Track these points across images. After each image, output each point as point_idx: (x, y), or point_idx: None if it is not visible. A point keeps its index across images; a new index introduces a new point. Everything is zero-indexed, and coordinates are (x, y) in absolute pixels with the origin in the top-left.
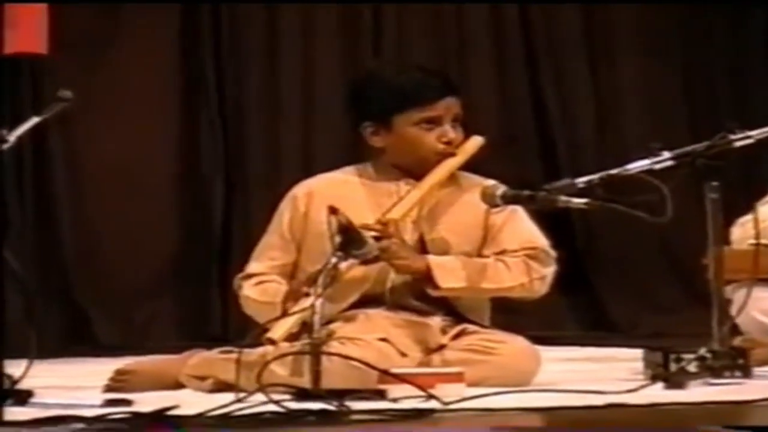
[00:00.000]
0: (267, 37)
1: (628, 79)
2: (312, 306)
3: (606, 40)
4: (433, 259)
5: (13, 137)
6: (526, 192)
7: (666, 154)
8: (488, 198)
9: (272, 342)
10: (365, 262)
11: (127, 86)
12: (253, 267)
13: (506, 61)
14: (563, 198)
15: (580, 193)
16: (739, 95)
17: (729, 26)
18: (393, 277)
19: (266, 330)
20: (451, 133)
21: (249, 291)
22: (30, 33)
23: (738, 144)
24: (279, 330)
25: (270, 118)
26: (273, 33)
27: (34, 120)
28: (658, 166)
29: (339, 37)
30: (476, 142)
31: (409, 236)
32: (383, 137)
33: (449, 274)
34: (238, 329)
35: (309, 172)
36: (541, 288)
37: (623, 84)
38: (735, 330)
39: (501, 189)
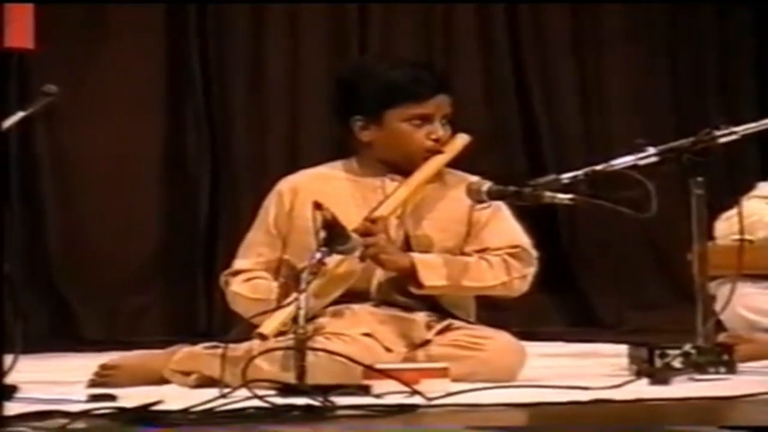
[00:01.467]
0: (253, 36)
1: (614, 74)
2: (297, 300)
3: (593, 35)
4: (417, 256)
5: None
6: (512, 188)
7: (651, 150)
8: (473, 194)
9: (263, 337)
10: (360, 259)
11: (114, 82)
12: (239, 263)
13: (492, 58)
14: (548, 194)
15: (565, 188)
16: (726, 89)
17: (716, 20)
18: (379, 273)
19: (252, 326)
20: (441, 131)
21: (238, 288)
22: (18, 29)
23: (723, 140)
24: (270, 325)
25: (255, 115)
26: (259, 32)
27: (20, 114)
28: (643, 162)
29: (325, 35)
30: (463, 140)
31: (394, 232)
32: (372, 132)
33: (432, 272)
34: (223, 325)
35: (294, 168)
36: (522, 287)
37: (609, 79)
38: (719, 326)
39: (486, 185)
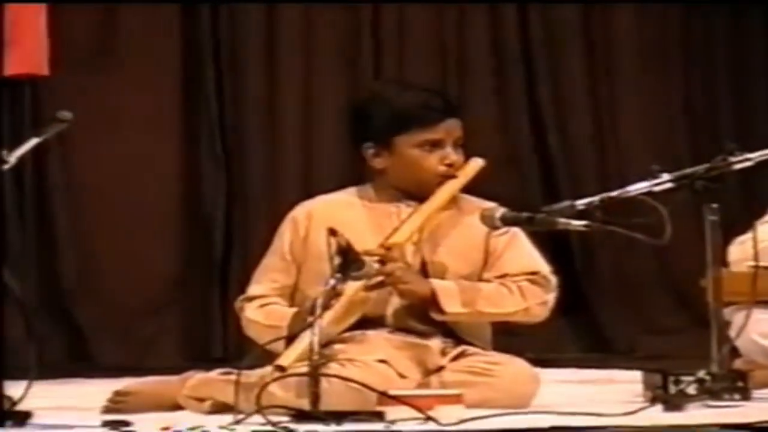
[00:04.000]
0: (267, 63)
1: (628, 98)
2: (311, 327)
3: (606, 58)
4: (437, 283)
5: (13, 158)
6: (526, 214)
7: (665, 176)
8: (488, 220)
9: (282, 369)
10: (371, 287)
11: (127, 109)
12: (254, 289)
13: (505, 82)
14: (562, 220)
15: (579, 215)
16: (740, 110)
17: (729, 39)
18: (394, 299)
19: (267, 352)
20: (453, 155)
21: (253, 314)
22: (31, 54)
23: (737, 166)
24: (289, 356)
25: (270, 138)
26: (272, 58)
27: (34, 141)
28: (657, 188)
29: (339, 60)
30: (477, 164)
31: (411, 259)
32: (384, 159)
33: (453, 299)
34: (238, 350)
35: (308, 195)
36: (542, 313)
37: (623, 103)
38: (734, 352)
39: (500, 211)
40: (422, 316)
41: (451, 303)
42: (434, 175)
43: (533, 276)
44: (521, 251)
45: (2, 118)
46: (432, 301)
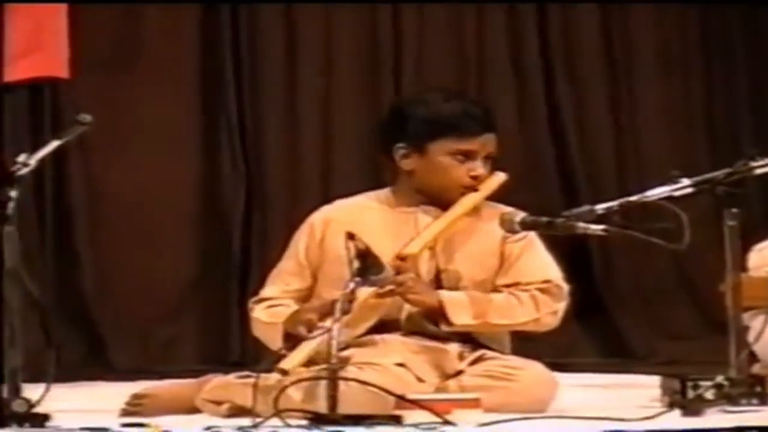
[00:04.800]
0: (286, 68)
1: (647, 101)
2: (329, 331)
3: (625, 63)
4: (445, 295)
5: (33, 161)
6: (545, 218)
7: (685, 181)
8: (507, 224)
9: (284, 372)
10: (381, 295)
11: (147, 113)
12: (267, 291)
13: (525, 88)
14: (581, 225)
15: (598, 219)
16: (760, 114)
17: (749, 41)
18: (407, 305)
19: (282, 356)
20: (481, 169)
21: (258, 313)
22: (51, 57)
23: (758, 171)
24: (293, 360)
25: (289, 141)
26: (292, 63)
27: (54, 144)
28: (677, 193)
29: (358, 65)
30: (499, 178)
31: (426, 266)
32: (413, 161)
33: (461, 311)
34: (256, 354)
35: (328, 195)
36: (552, 322)
37: (642, 106)
38: (752, 357)
39: (519, 215)
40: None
41: (460, 315)
42: (459, 185)
43: (545, 285)
44: (536, 258)
45: (23, 121)
46: (441, 313)
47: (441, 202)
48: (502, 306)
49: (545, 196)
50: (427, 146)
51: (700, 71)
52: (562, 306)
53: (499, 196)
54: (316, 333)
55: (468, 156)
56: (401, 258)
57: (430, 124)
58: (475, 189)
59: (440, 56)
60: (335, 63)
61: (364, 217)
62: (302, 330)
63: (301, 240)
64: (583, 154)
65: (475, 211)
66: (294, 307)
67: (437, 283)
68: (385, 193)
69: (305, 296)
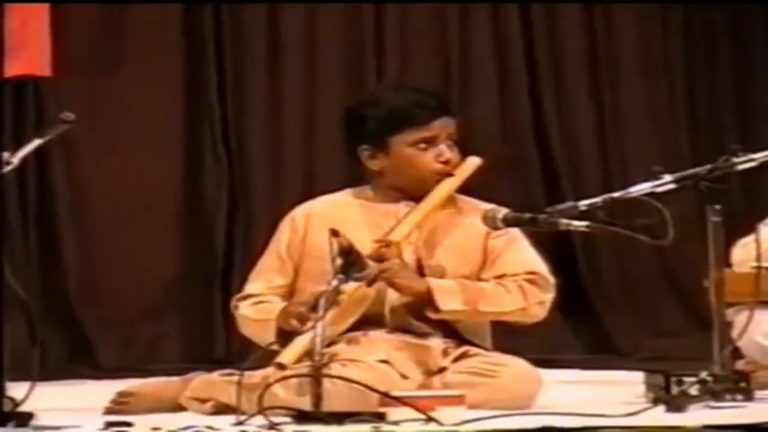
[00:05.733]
0: (270, 66)
1: (630, 99)
2: (314, 328)
3: (608, 59)
4: (433, 281)
5: (16, 159)
6: (528, 215)
7: (668, 177)
8: (489, 221)
9: (282, 366)
10: (368, 282)
11: (131, 111)
12: (250, 288)
13: (508, 83)
14: (564, 221)
15: (582, 216)
16: (743, 110)
17: (732, 39)
18: (391, 298)
19: (270, 352)
20: (448, 152)
21: (245, 311)
22: (34, 55)
23: (741, 167)
24: (289, 354)
25: (272, 146)
26: (275, 61)
27: (37, 142)
28: (660, 189)
29: (341, 65)
30: (474, 162)
31: (408, 260)
32: (380, 160)
33: (449, 297)
34: (241, 352)
35: (311, 194)
36: (540, 313)
37: (625, 103)
38: (736, 353)
39: (503, 212)
40: (422, 316)
41: (447, 300)
42: (431, 172)
43: (532, 276)
44: (520, 251)
45: (5, 119)
46: (428, 299)
47: (419, 195)
48: (490, 294)
49: (529, 193)
50: (388, 143)
51: (683, 69)
52: (549, 297)
53: (480, 187)
54: (309, 326)
55: (429, 143)
56: (385, 244)
57: (384, 121)
58: (448, 174)
59: (423, 56)
60: (318, 63)
61: (346, 212)
62: (295, 324)
63: (282, 235)
64: (566, 152)
65: (454, 204)
66: (279, 303)
67: (421, 276)
68: (364, 189)
69: (288, 292)
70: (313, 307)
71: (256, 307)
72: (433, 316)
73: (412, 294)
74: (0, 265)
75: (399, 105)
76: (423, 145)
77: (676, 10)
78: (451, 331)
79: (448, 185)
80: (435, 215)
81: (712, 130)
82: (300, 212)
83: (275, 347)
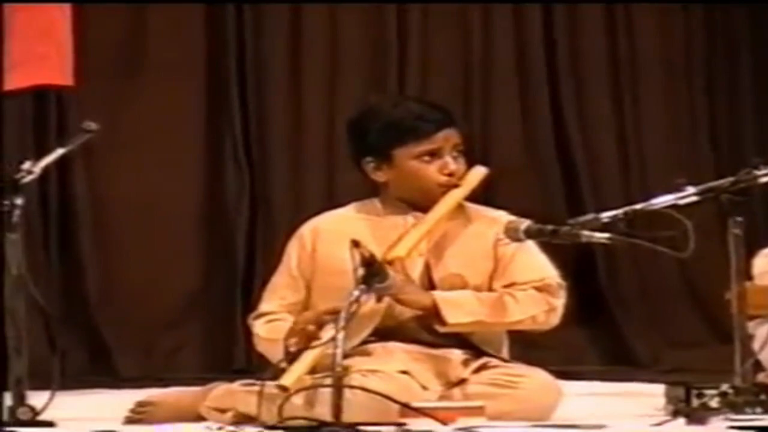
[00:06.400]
0: (291, 75)
1: (652, 110)
2: (332, 340)
3: (630, 70)
4: (439, 294)
5: (38, 168)
6: (550, 227)
7: (690, 189)
8: (511, 233)
9: (284, 389)
10: (378, 298)
11: (153, 121)
12: (263, 306)
13: (529, 89)
14: (586, 233)
15: (603, 227)
16: (764, 123)
17: (753, 52)
18: (403, 313)
19: (282, 370)
20: (452, 164)
21: (259, 329)
22: (56, 65)
23: (763, 180)
24: (291, 376)
25: (294, 155)
26: (297, 70)
27: (59, 151)
28: (682, 201)
29: (364, 74)
30: (479, 173)
31: (418, 271)
32: (385, 172)
33: (456, 309)
34: (260, 362)
35: (332, 203)
36: (552, 320)
37: (647, 115)
38: (757, 366)
39: (525, 224)
40: (433, 329)
41: (454, 313)
42: (436, 185)
43: (541, 282)
44: (529, 258)
45: (28, 128)
46: (435, 313)
47: (425, 206)
48: (498, 304)
49: (547, 199)
50: (391, 155)
51: (704, 77)
52: (560, 303)
53: (500, 198)
54: (316, 344)
55: (434, 155)
56: (388, 262)
57: (386, 134)
58: (454, 185)
59: (445, 56)
60: (340, 64)
61: (353, 226)
62: (302, 342)
63: (292, 253)
64: (586, 155)
65: (462, 212)
66: (291, 320)
67: (431, 287)
68: (372, 202)
69: (302, 309)
70: (325, 320)
71: (269, 326)
72: (440, 329)
73: (419, 308)
74: None
75: (401, 117)
76: (427, 158)
77: (698, 14)
78: (466, 340)
79: (453, 197)
80: (443, 226)
81: (733, 137)
82: (307, 229)
83: (283, 365)
